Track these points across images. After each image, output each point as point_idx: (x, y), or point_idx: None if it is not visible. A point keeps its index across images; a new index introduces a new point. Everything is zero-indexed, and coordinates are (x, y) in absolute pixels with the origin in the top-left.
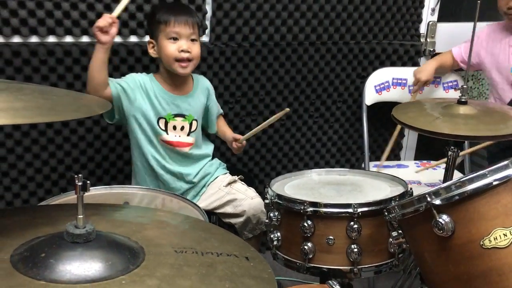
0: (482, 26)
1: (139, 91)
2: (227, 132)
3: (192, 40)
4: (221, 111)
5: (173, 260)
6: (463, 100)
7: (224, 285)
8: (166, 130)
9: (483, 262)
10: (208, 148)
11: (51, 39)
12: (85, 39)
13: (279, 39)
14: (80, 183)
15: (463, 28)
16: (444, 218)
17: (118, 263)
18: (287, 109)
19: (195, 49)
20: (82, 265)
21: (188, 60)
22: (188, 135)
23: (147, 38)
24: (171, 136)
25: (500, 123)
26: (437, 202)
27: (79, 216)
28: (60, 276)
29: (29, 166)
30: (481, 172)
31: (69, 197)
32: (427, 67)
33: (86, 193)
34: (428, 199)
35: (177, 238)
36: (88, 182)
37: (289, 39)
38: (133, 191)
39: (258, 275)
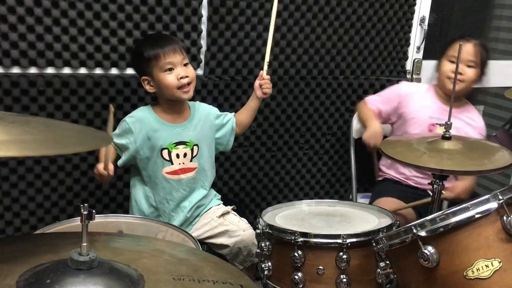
0: (404, 84)
1: (133, 133)
2: (248, 100)
3: (185, 64)
4: (232, 116)
5: (172, 287)
6: (447, 136)
7: None
8: (170, 160)
9: None
10: (210, 177)
11: (50, 70)
12: (82, 70)
13: (271, 73)
14: (85, 212)
15: None
16: (429, 249)
17: None
18: None
19: (191, 72)
20: None
21: (188, 84)
22: (191, 160)
23: (128, 70)
24: (176, 165)
25: (485, 158)
26: (423, 233)
27: (83, 244)
28: None
29: (22, 194)
30: (464, 205)
31: (63, 226)
32: (378, 130)
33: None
34: (414, 230)
35: (174, 266)
36: (94, 211)
37: (281, 73)
38: (130, 220)
39: None
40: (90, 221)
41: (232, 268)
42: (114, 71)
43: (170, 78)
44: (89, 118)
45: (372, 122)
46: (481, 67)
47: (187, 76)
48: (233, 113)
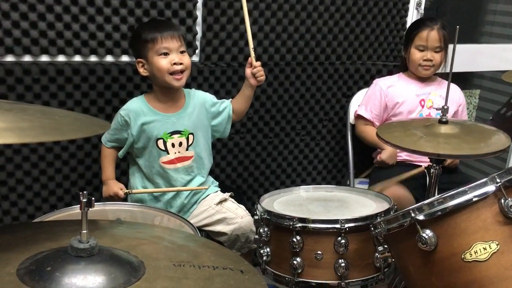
0: (380, 80)
1: (127, 125)
2: (242, 88)
3: (181, 52)
4: (229, 103)
5: (172, 273)
6: (444, 120)
7: None
8: (166, 150)
9: (464, 275)
10: (207, 165)
11: (44, 58)
12: (77, 58)
13: (267, 59)
14: (85, 200)
15: None
16: (428, 233)
17: (120, 276)
18: None
19: (186, 60)
20: (86, 278)
21: (181, 71)
22: (187, 149)
23: (123, 58)
24: (172, 154)
25: (481, 142)
26: (421, 217)
27: (83, 231)
28: None
29: (19, 183)
30: (462, 188)
31: (62, 214)
32: (394, 151)
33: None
34: (412, 214)
35: (174, 252)
36: (93, 198)
37: (277, 59)
38: (127, 208)
39: (253, 287)
40: (89, 209)
41: (231, 253)
42: (109, 58)
43: (163, 62)
44: (85, 106)
45: (387, 147)
46: (446, 47)
47: (181, 63)
48: (230, 99)
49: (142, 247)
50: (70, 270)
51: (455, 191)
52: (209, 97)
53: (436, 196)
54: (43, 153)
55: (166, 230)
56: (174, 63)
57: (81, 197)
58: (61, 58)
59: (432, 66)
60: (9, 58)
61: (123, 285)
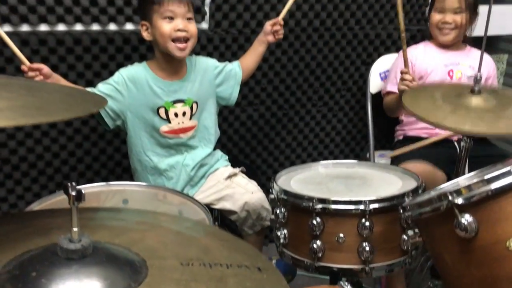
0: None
1: (126, 88)
2: (254, 45)
3: (188, 19)
4: (235, 66)
5: (179, 275)
6: (476, 89)
7: None
8: (168, 119)
9: (509, 264)
10: (213, 135)
11: (43, 27)
12: (78, 27)
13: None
14: (74, 193)
15: None
16: (467, 218)
17: (118, 281)
18: None
19: (192, 28)
20: (78, 285)
21: (185, 40)
22: (190, 119)
23: (128, 26)
24: (174, 124)
25: None
26: (460, 201)
27: (74, 229)
28: None
29: (16, 169)
30: (506, 169)
31: (49, 202)
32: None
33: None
34: (450, 198)
35: (182, 248)
36: (83, 192)
37: (292, 25)
38: (132, 188)
39: None
40: (93, 190)
41: (246, 246)
42: (112, 26)
43: (166, 27)
44: (88, 78)
45: None
46: (469, 9)
47: (185, 31)
48: (237, 61)
49: (145, 242)
50: (59, 275)
51: (499, 172)
52: (211, 62)
53: (477, 178)
54: (39, 136)
55: (172, 219)
56: (178, 29)
57: (70, 190)
58: (61, 27)
59: (452, 29)
60: (6, 28)
61: None
